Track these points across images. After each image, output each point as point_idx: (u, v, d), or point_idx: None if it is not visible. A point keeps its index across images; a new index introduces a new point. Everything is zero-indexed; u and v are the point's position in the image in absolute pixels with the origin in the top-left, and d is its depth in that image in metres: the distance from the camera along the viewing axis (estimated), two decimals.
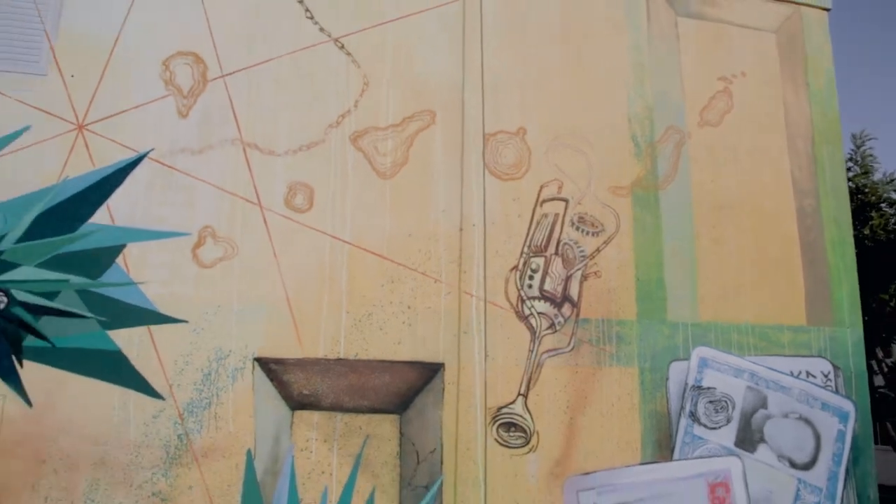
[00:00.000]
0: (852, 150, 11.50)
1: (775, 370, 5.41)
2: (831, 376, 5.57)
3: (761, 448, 5.30)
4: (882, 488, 5.93)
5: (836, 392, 5.53)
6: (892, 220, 10.66)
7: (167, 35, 4.86)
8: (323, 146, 4.90)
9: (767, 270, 5.55)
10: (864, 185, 10.83)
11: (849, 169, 11.36)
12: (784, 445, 5.34)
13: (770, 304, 5.49)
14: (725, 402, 5.26)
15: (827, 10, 6.28)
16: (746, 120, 5.78)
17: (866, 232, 10.15)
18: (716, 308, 5.36)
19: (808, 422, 5.43)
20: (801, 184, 5.79)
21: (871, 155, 11.27)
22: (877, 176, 11.12)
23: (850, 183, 10.70)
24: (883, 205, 10.73)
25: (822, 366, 5.56)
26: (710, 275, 5.40)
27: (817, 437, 5.43)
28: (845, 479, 5.41)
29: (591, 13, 5.64)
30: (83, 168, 4.57)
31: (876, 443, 6.65)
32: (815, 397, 5.47)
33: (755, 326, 5.41)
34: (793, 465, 5.34)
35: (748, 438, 5.28)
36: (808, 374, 5.51)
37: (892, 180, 10.98)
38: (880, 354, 10.76)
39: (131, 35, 4.81)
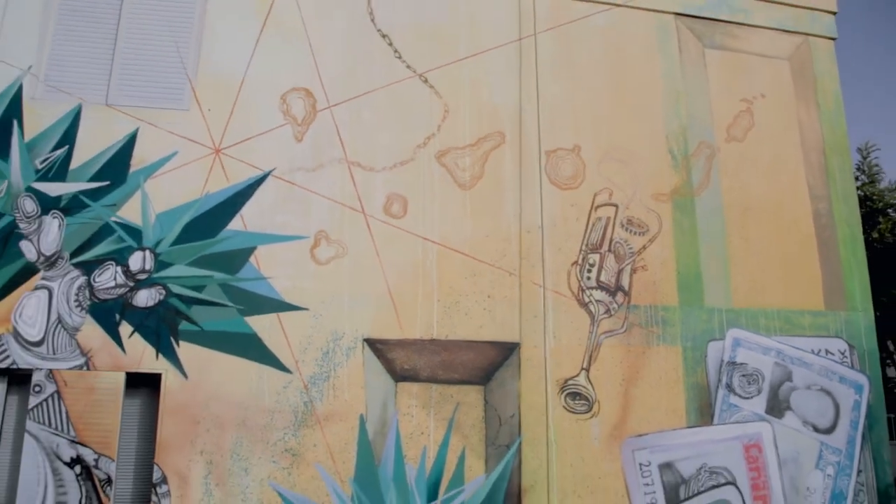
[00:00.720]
0: (859, 161, 12.38)
1: (798, 348, 6.27)
2: (847, 354, 6.43)
3: (788, 415, 6.15)
4: None
5: (852, 367, 6.38)
6: None
7: (283, 74, 5.87)
8: (413, 163, 5.87)
9: (789, 264, 6.44)
10: (872, 193, 11.69)
11: (856, 178, 12.22)
12: (808, 413, 6.19)
13: (792, 292, 6.37)
14: (756, 375, 6.12)
15: (833, 38, 7.22)
16: (766, 135, 6.71)
17: (875, 236, 10.98)
18: (746, 296, 6.25)
19: (828, 393, 6.28)
20: (816, 190, 6.70)
21: (876, 165, 12.17)
22: (883, 184, 11.99)
23: (859, 191, 11.56)
24: (890, 210, 11.58)
25: (838, 345, 6.43)
26: (740, 268, 6.30)
27: (836, 406, 6.28)
28: (862, 443, 6.24)
29: (629, 47, 6.61)
30: (220, 185, 5.56)
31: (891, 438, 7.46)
32: (833, 372, 6.32)
33: (780, 311, 6.29)
34: (816, 429, 6.19)
35: (776, 407, 6.13)
36: (826, 351, 6.37)
37: None
38: (892, 347, 11.53)
39: (255, 75, 5.81)
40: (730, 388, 6.04)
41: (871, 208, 11.38)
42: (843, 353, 6.41)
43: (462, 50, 6.21)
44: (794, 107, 6.87)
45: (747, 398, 6.08)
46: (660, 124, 6.42)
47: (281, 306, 5.44)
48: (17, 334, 5.14)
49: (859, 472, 6.17)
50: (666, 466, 5.78)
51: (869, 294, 6.59)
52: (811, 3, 7.21)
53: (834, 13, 7.27)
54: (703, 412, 5.96)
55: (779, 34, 7.04)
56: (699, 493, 5.78)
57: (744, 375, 6.08)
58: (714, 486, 5.83)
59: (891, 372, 11.59)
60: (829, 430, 6.21)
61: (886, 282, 10.32)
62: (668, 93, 6.50)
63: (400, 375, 5.49)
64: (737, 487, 5.87)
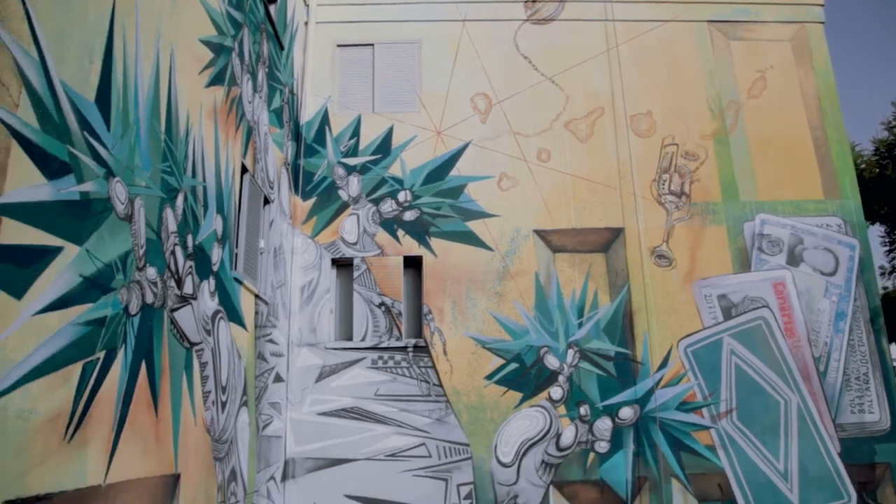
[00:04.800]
0: (893, 113, 15.38)
1: (806, 224, 9.78)
2: (842, 226, 9.86)
3: (802, 265, 9.66)
4: None
5: (846, 234, 9.82)
6: None
7: (470, 85, 10.03)
8: (551, 130, 9.88)
9: (796, 171, 9.97)
10: None
11: (894, 128, 15.23)
12: (816, 263, 9.68)
13: (799, 189, 9.90)
14: (778, 241, 9.69)
15: (822, 22, 10.73)
16: (776, 92, 10.30)
17: None
18: (767, 192, 9.83)
19: (829, 250, 9.74)
20: (813, 122, 10.22)
21: None
22: None
23: (892, 136, 14.67)
24: None
25: (836, 221, 9.88)
26: (762, 177, 9.90)
27: (836, 258, 9.73)
28: (856, 281, 9.65)
29: (678, 46, 10.39)
30: (442, 151, 9.74)
31: None
32: (832, 238, 9.78)
33: (791, 201, 9.84)
34: (823, 273, 9.67)
35: (793, 261, 9.66)
36: (827, 225, 9.84)
37: None
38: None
39: (454, 88, 10.01)
40: (760, 249, 9.64)
41: None
42: (839, 226, 9.86)
43: (573, 60, 10.21)
44: (795, 72, 10.43)
45: (772, 256, 9.65)
46: (701, 92, 10.17)
47: (484, 215, 9.54)
48: (342, 240, 9.47)
49: (855, 299, 9.58)
50: (721, 296, 9.44)
51: (857, 186, 10.01)
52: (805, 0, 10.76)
53: (822, 4, 10.77)
54: (744, 265, 9.58)
55: (782, 25, 10.64)
56: (745, 312, 9.40)
57: (769, 241, 9.67)
58: (754, 308, 9.43)
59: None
60: (832, 274, 9.67)
61: None
62: (705, 72, 10.25)
63: (555, 249, 9.46)
64: (770, 309, 9.44)
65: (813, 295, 9.55)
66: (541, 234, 9.51)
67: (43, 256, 3.41)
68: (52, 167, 3.50)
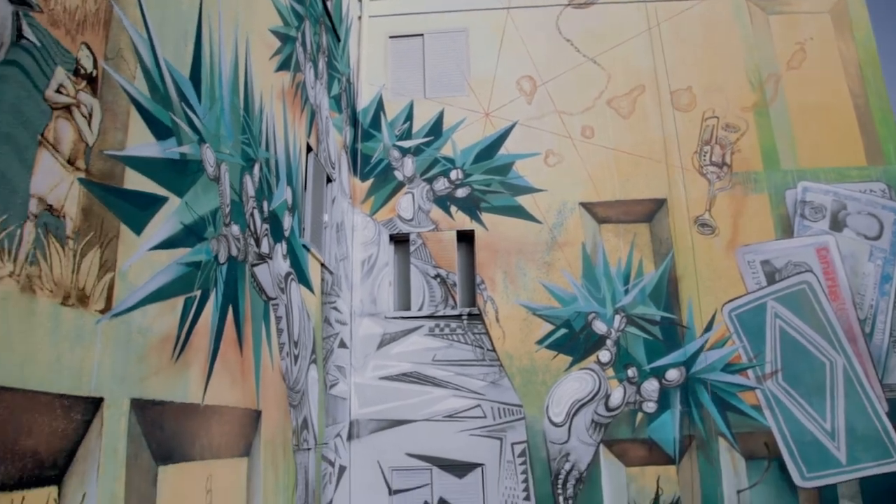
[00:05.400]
0: None
1: (849, 190, 9.99)
2: (886, 192, 10.04)
3: (846, 230, 9.88)
4: None
5: (891, 199, 9.98)
6: None
7: (515, 69, 10.58)
8: (594, 108, 10.35)
9: (839, 139, 10.17)
10: None
11: None
12: (859, 228, 9.88)
13: (842, 156, 10.10)
14: (821, 207, 9.92)
15: None
16: (816, 63, 10.52)
17: None
18: (809, 160, 10.07)
19: (873, 215, 9.93)
20: (854, 90, 10.40)
21: None
22: None
23: None
24: None
25: (880, 186, 10.05)
26: (803, 145, 10.14)
27: (881, 223, 9.90)
28: None
29: (717, 23, 10.71)
30: (490, 132, 10.31)
31: None
32: (876, 202, 9.96)
33: (833, 168, 10.06)
34: (867, 238, 9.86)
35: (836, 226, 9.89)
36: (870, 191, 10.03)
37: None
38: None
39: (500, 71, 10.57)
40: (803, 216, 9.90)
41: None
42: (883, 192, 10.03)
43: (614, 40, 10.65)
44: (835, 42, 10.62)
45: (815, 222, 9.89)
46: (741, 66, 10.47)
47: (531, 190, 10.07)
48: (399, 217, 10.12)
49: None
50: (765, 262, 9.74)
51: None
52: None
53: None
54: (786, 231, 9.86)
55: None
56: (788, 276, 9.68)
57: (812, 208, 9.92)
58: (798, 273, 9.69)
59: None
60: (877, 238, 9.84)
61: None
62: (744, 46, 10.55)
63: (601, 220, 9.92)
64: (813, 273, 9.70)
65: (857, 259, 9.76)
66: (586, 206, 9.98)
67: (154, 203, 4.13)
68: (159, 130, 4.22)
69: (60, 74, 3.28)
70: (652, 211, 9.94)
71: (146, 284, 4.01)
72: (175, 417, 4.35)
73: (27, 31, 3.04)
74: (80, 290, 3.38)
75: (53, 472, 3.15)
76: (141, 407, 3.92)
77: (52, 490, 3.14)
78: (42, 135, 3.14)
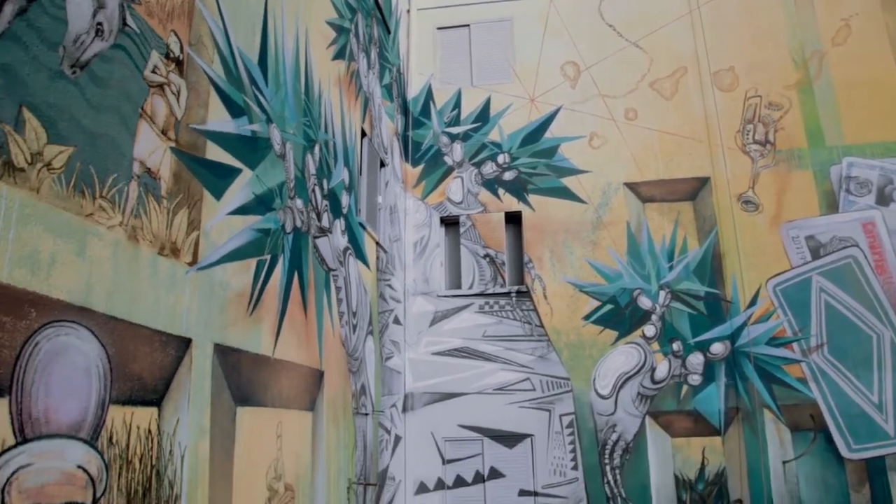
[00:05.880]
0: None
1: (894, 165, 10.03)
2: None
3: (893, 205, 9.91)
4: None
5: None
6: None
7: (559, 54, 10.92)
8: (637, 91, 10.61)
9: (885, 114, 10.20)
10: None
11: None
12: None
13: (888, 131, 10.13)
14: (866, 182, 9.99)
15: None
16: (862, 38, 10.55)
17: None
18: (854, 136, 10.14)
19: None
20: None
21: None
22: None
23: None
24: None
25: None
26: (849, 121, 10.21)
27: None
28: None
29: (759, 2, 10.84)
30: (535, 116, 10.68)
31: None
32: None
33: (880, 143, 10.10)
34: None
35: (883, 200, 9.94)
36: None
37: None
38: None
39: (544, 57, 10.93)
40: (848, 191, 9.98)
41: None
42: None
43: (656, 24, 10.89)
44: (882, 16, 10.63)
45: (861, 197, 9.96)
46: (783, 45, 10.59)
47: (576, 171, 10.41)
48: (449, 200, 10.58)
49: None
50: (809, 237, 9.87)
51: None
52: None
53: None
54: (831, 207, 9.95)
55: None
56: (833, 251, 9.79)
57: (857, 183, 9.99)
58: (843, 248, 9.79)
59: None
60: None
61: None
62: (787, 25, 10.66)
63: (645, 199, 10.20)
64: (859, 247, 9.78)
65: None
66: (630, 186, 10.27)
67: (230, 173, 4.68)
68: (233, 109, 4.77)
69: (155, 57, 3.83)
70: (695, 189, 10.17)
71: (225, 244, 4.55)
72: (250, 365, 4.90)
73: (129, 20, 3.59)
74: (173, 243, 3.93)
75: (154, 396, 3.71)
76: (222, 352, 4.47)
77: (153, 411, 3.69)
78: (142, 108, 3.69)
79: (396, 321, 9.78)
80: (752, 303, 9.67)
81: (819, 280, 9.70)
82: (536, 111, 10.73)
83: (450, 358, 10.02)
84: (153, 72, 3.81)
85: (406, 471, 9.63)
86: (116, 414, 3.35)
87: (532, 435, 9.64)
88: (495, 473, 9.62)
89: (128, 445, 3.44)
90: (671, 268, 9.91)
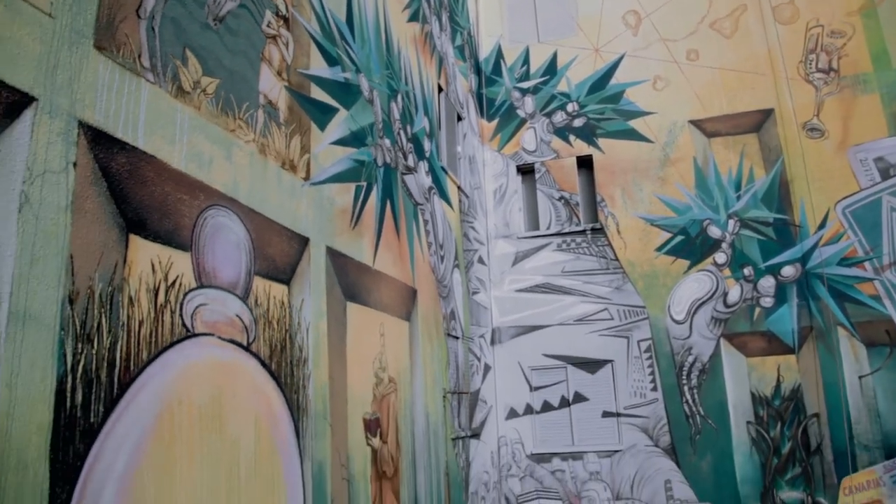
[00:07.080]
0: None
1: None
2: None
3: None
4: None
5: None
6: None
7: (620, 3, 11.50)
8: (697, 32, 11.07)
9: None
10: None
11: None
12: None
13: None
14: None
15: None
16: None
17: None
18: None
19: None
20: None
21: None
22: None
23: None
24: None
25: None
26: None
27: None
28: None
29: None
30: (599, 65, 11.33)
31: None
32: None
33: None
34: None
35: None
36: None
37: None
38: None
39: (606, 9, 11.54)
40: None
41: None
42: None
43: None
44: None
45: None
46: None
47: (642, 113, 11.01)
48: (523, 149, 11.40)
49: None
50: (878, 159, 10.11)
51: None
52: None
53: None
54: None
55: None
56: None
57: None
58: None
59: None
60: None
61: None
62: None
63: (710, 134, 10.71)
64: None
65: None
66: (695, 123, 10.79)
67: (330, 111, 5.72)
68: (329, 58, 5.80)
69: (268, 14, 4.89)
70: (760, 121, 10.59)
71: (330, 167, 5.61)
72: (355, 270, 5.96)
73: None
74: (291, 160, 5.01)
75: (284, 276, 4.80)
76: (333, 254, 5.54)
77: (284, 288, 4.78)
78: (262, 53, 4.76)
79: (481, 261, 10.73)
80: (822, 226, 10.04)
81: (890, 200, 9.95)
82: (601, 60, 11.38)
83: (532, 294, 10.89)
84: (268, 26, 4.86)
85: (497, 398, 10.61)
86: (259, 284, 4.44)
87: (612, 360, 10.41)
88: (579, 397, 10.45)
89: (268, 309, 4.54)
90: (739, 197, 10.39)
